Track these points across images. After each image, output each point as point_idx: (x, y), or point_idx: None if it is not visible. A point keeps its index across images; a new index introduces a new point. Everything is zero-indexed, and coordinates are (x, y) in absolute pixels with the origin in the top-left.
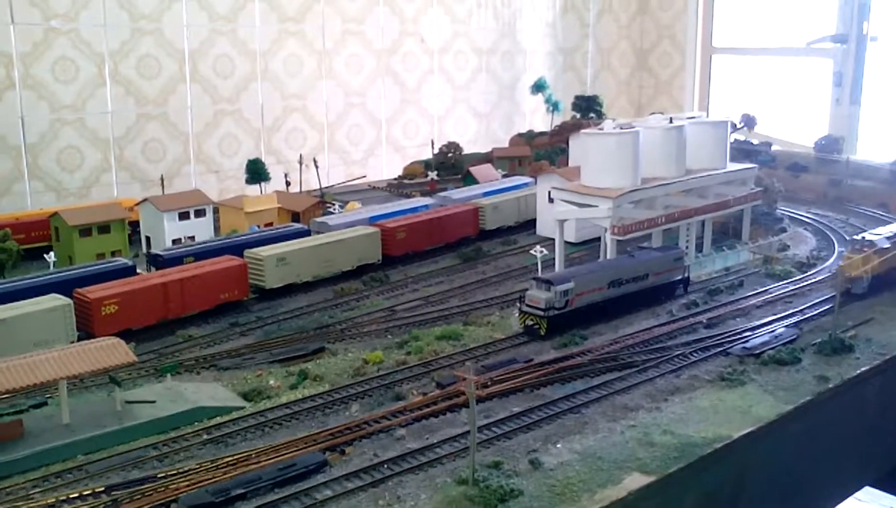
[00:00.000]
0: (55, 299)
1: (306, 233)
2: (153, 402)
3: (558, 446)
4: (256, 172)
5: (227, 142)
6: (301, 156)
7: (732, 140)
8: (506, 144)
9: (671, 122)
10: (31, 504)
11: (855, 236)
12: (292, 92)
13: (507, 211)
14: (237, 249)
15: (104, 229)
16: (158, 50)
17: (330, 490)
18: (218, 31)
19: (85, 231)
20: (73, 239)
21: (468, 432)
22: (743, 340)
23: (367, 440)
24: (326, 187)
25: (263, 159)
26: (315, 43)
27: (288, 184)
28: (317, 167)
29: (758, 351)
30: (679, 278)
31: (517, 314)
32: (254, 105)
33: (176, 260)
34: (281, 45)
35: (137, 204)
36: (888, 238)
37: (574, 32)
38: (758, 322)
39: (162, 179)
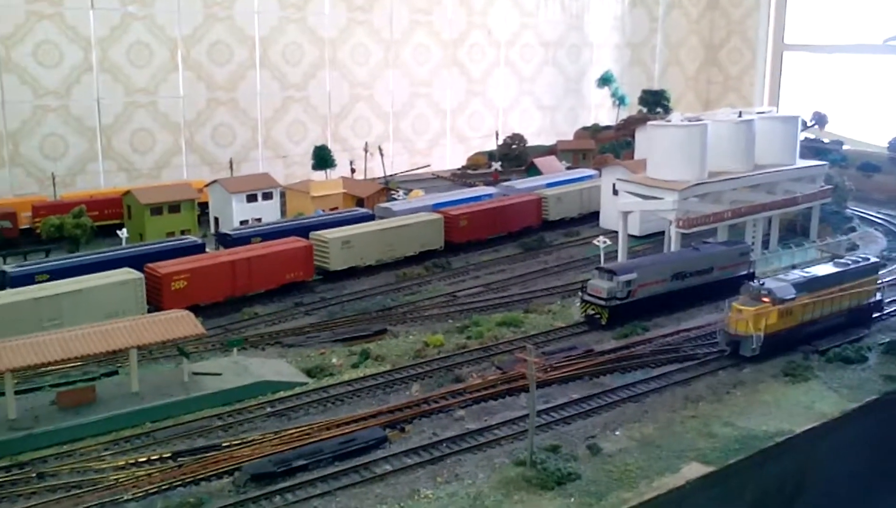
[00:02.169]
0: (127, 273)
1: (370, 218)
2: (219, 375)
3: (617, 433)
4: (322, 159)
5: (295, 128)
6: (367, 144)
7: (803, 138)
8: (570, 138)
9: (740, 116)
10: (102, 465)
11: (752, 283)
12: (359, 80)
13: (570, 202)
14: (303, 231)
15: (174, 208)
16: (230, 36)
17: (389, 465)
18: (288, 19)
19: (156, 210)
20: (144, 217)
21: (527, 415)
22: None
23: (426, 419)
24: (390, 175)
25: (329, 146)
26: (383, 32)
27: (353, 171)
28: (382, 155)
29: (823, 348)
30: (744, 273)
31: (579, 304)
32: (321, 93)
33: (244, 240)
34: (349, 33)
35: (207, 186)
36: (798, 285)
37: (642, 26)
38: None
39: (231, 163)
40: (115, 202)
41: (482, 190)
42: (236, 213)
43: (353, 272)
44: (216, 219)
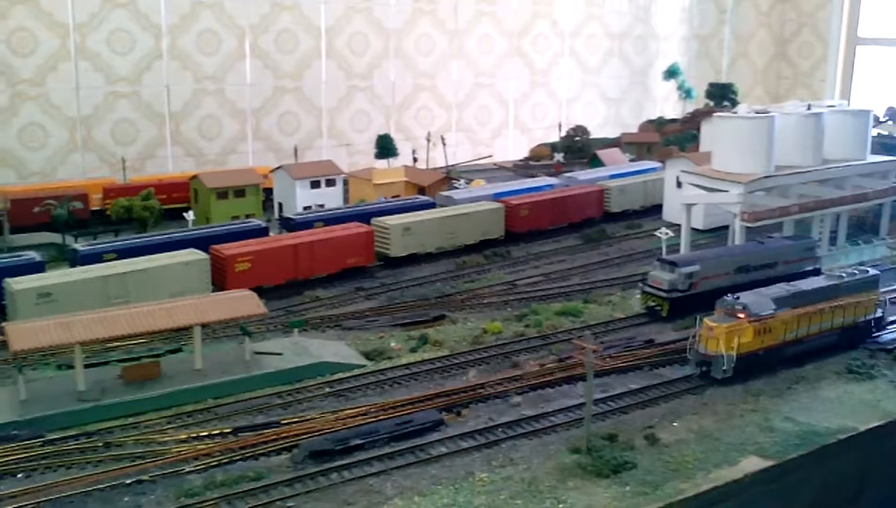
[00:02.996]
0: (193, 254)
1: (431, 206)
2: (280, 354)
3: (675, 424)
4: (385, 148)
5: (359, 117)
6: (429, 133)
7: (875, 134)
8: (634, 131)
9: (809, 109)
10: (165, 438)
11: (726, 296)
12: (423, 71)
13: (633, 194)
14: (365, 217)
15: (240, 192)
16: (296, 25)
17: (445, 448)
18: (354, 9)
19: (222, 194)
20: (210, 201)
21: (583, 403)
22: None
23: (482, 403)
24: (452, 165)
25: (392, 136)
26: (447, 23)
27: (415, 160)
28: (444, 145)
29: (890, 347)
30: (810, 268)
31: (639, 295)
32: (385, 82)
33: (307, 224)
34: (414, 24)
35: (272, 171)
36: (779, 299)
37: (711, 18)
38: (892, 318)
39: (295, 150)
40: (182, 186)
41: (544, 181)
42: (300, 198)
43: (413, 259)
44: (280, 204)
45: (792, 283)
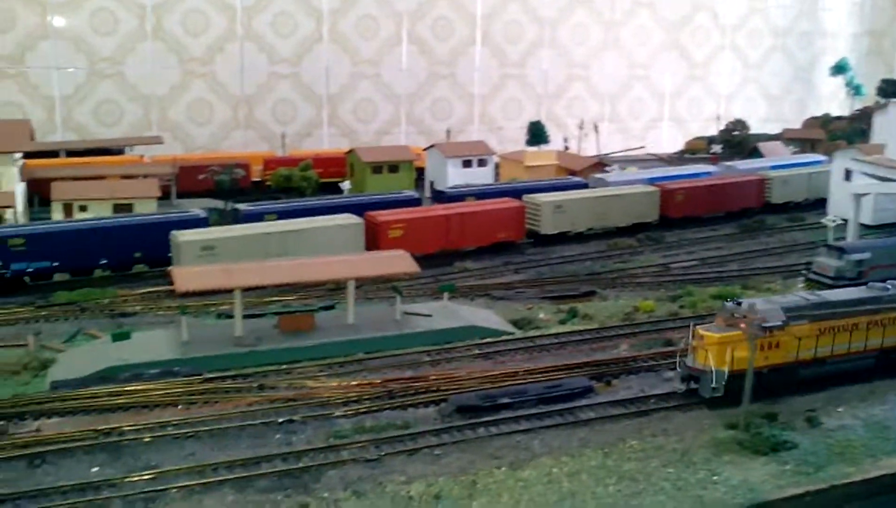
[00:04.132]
0: (348, 218)
1: (584, 187)
2: (429, 316)
3: (840, 409)
4: (537, 134)
5: (511, 105)
6: (581, 121)
7: None
8: (797, 127)
9: None
10: (317, 385)
11: (728, 301)
12: (577, 61)
13: (796, 186)
14: (517, 194)
15: (394, 168)
16: (452, 13)
17: (594, 413)
18: None
19: (377, 168)
20: (365, 174)
21: None
22: None
23: (634, 376)
24: (605, 154)
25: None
26: (604, 13)
27: (566, 148)
28: (597, 133)
29: None
30: None
31: (802, 283)
32: (538, 71)
33: (458, 198)
34: (570, 13)
35: (425, 150)
36: (793, 309)
37: (885, 14)
38: None
39: (448, 134)
40: (338, 161)
41: (702, 168)
42: (451, 177)
43: (563, 238)
44: (431, 183)
45: (818, 292)
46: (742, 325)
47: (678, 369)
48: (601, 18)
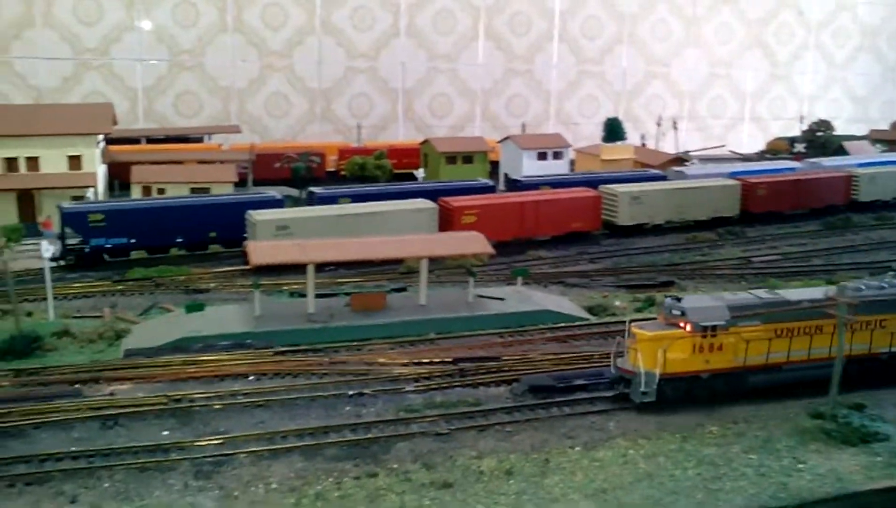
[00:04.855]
0: (422, 203)
1: (662, 179)
2: (502, 299)
3: None
4: (614, 131)
5: (587, 103)
6: (660, 117)
7: None
8: (885, 129)
9: None
10: (388, 361)
11: (668, 298)
12: (656, 57)
13: (884, 184)
14: (593, 185)
15: (468, 159)
16: (531, 7)
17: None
18: None
19: (451, 158)
20: (439, 164)
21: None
22: None
23: None
24: (684, 152)
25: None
26: (685, 9)
27: (643, 146)
28: (675, 129)
29: None
30: None
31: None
32: (616, 68)
33: (533, 186)
34: (650, 9)
35: (499, 142)
36: (740, 307)
37: None
38: None
39: (523, 128)
40: (412, 152)
41: (785, 163)
42: (526, 169)
43: (640, 231)
44: (506, 175)
45: (776, 290)
46: (680, 324)
47: (612, 370)
48: (682, 14)
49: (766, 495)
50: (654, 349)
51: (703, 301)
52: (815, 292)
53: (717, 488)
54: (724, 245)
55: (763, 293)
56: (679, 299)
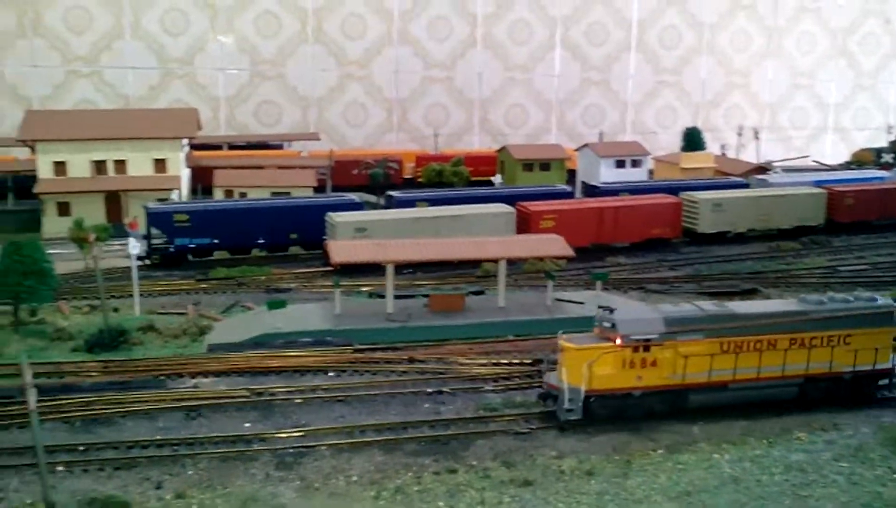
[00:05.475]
0: (500, 207)
1: (744, 186)
2: (582, 303)
3: None
4: (693, 141)
5: (665, 113)
6: (740, 127)
7: None
8: None
9: None
10: (466, 361)
11: (601, 308)
12: (736, 68)
13: None
14: (673, 192)
15: (545, 166)
16: (607, 17)
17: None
18: (668, 1)
19: (528, 166)
20: (516, 171)
21: None
22: None
23: None
24: (767, 162)
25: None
26: (766, 19)
27: (723, 155)
28: (757, 138)
29: None
30: None
31: None
32: (695, 78)
33: (611, 193)
34: (730, 18)
35: (577, 150)
36: (678, 320)
37: None
38: None
39: (600, 137)
40: (488, 160)
41: (874, 173)
42: (604, 177)
43: (721, 239)
44: (583, 183)
45: (724, 303)
46: (610, 337)
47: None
48: (763, 24)
49: (858, 504)
50: (579, 363)
51: (638, 313)
52: (774, 305)
53: (806, 494)
54: (808, 254)
55: (709, 306)
56: (612, 310)
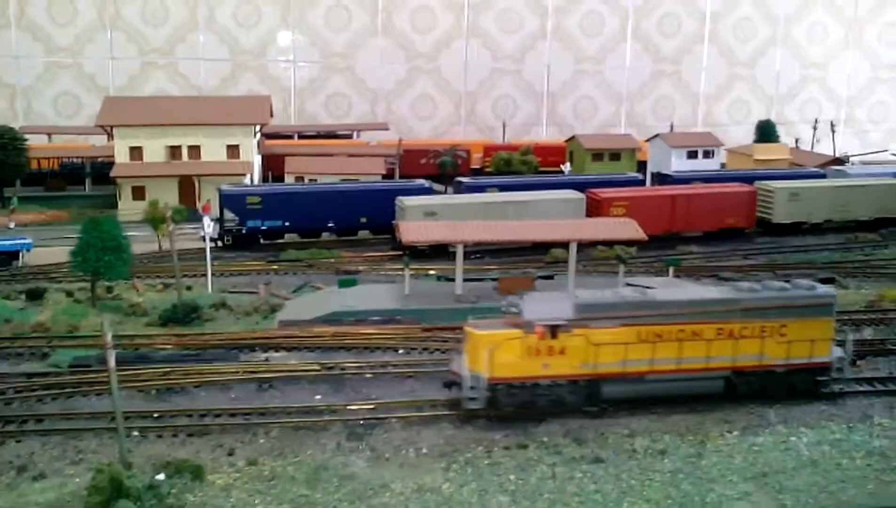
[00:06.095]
0: (570, 193)
1: (822, 176)
2: (653, 288)
3: None
4: (766, 134)
5: (737, 107)
6: (816, 120)
7: None
8: None
9: None
10: None
11: (511, 295)
12: (812, 60)
13: None
14: (748, 181)
15: (615, 156)
16: (680, 8)
17: (844, 386)
18: None
19: (597, 155)
20: (585, 161)
21: None
22: None
23: (882, 358)
24: (844, 155)
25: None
26: (845, 10)
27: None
28: (833, 131)
29: None
30: None
31: None
32: (769, 71)
33: (684, 181)
34: (807, 10)
35: (648, 140)
36: (591, 306)
37: None
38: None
39: (671, 128)
40: (557, 150)
41: None
42: (675, 167)
43: (796, 229)
44: (654, 173)
45: (645, 288)
46: (516, 322)
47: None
48: (842, 16)
49: None
50: (480, 348)
51: (548, 298)
52: (702, 292)
53: (890, 480)
54: (888, 246)
55: (628, 291)
56: (521, 296)
